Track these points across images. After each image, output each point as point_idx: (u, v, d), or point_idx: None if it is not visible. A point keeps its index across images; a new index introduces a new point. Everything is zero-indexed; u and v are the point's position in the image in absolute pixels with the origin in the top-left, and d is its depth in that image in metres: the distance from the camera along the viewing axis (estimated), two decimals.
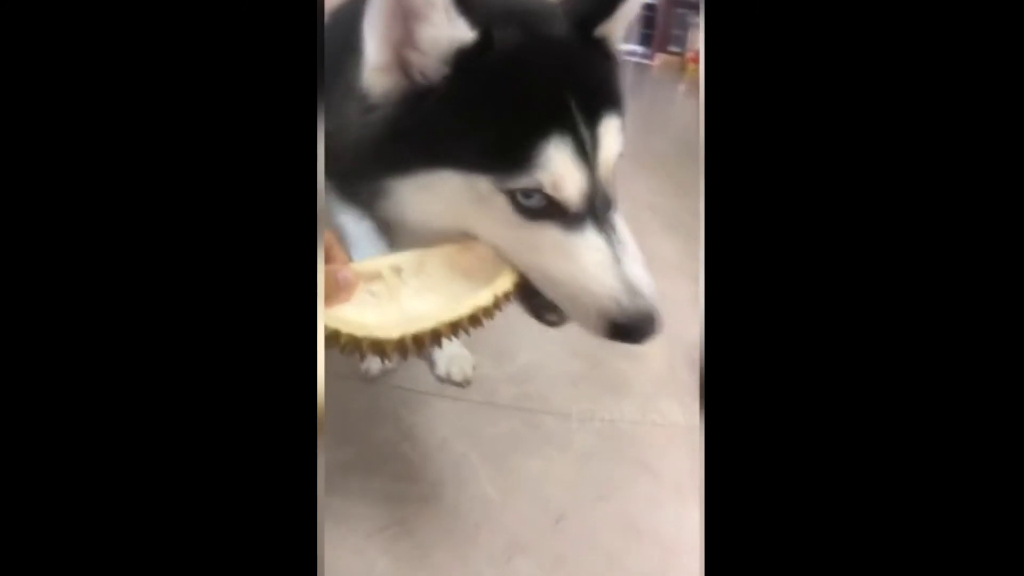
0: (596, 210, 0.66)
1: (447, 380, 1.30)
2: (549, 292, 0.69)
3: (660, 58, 5.95)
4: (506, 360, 1.39)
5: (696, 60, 5.66)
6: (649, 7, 7.22)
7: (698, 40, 5.49)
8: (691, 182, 2.66)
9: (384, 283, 0.64)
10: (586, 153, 0.64)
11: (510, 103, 0.63)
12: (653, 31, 7.01)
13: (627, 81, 0.79)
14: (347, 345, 0.58)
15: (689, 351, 1.49)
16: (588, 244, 0.65)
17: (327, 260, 0.60)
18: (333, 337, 0.58)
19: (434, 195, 0.66)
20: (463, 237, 0.70)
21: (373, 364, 1.27)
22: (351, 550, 0.94)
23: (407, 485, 1.07)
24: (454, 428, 1.20)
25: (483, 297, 0.64)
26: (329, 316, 0.58)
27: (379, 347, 0.59)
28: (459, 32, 0.61)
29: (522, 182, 0.62)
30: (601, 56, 0.70)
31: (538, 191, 0.63)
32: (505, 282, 0.66)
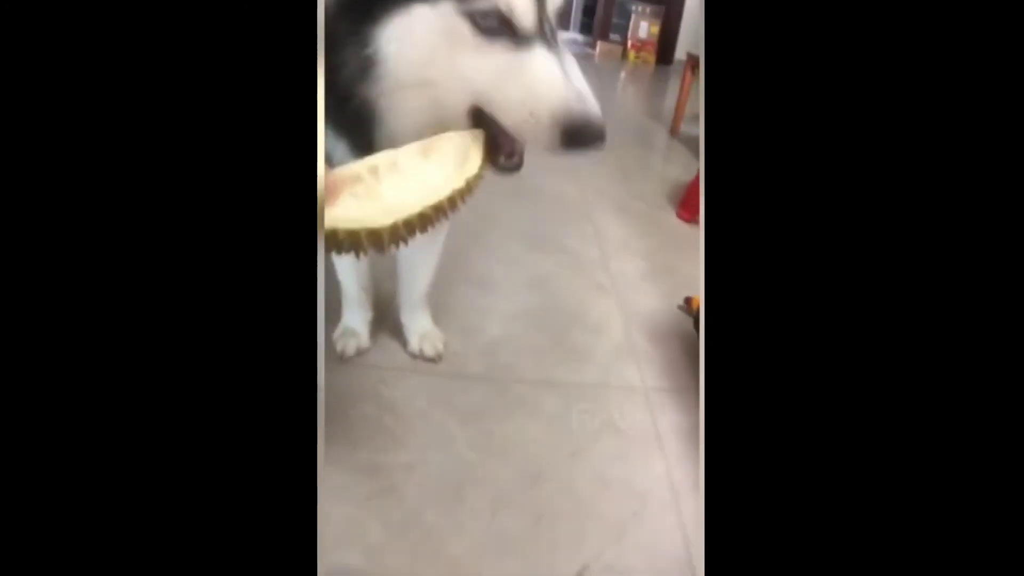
0: (545, 33, 0.73)
1: (420, 356, 1.37)
2: (504, 116, 0.75)
3: (602, 46, 6.04)
4: (474, 336, 1.45)
5: (637, 47, 5.75)
6: None
7: (639, 29, 5.64)
8: (634, 167, 2.77)
9: (364, 184, 0.68)
10: None
11: None
12: (593, 20, 7.09)
13: None
14: (345, 241, 0.62)
15: (642, 322, 1.58)
16: (539, 59, 0.72)
17: None
18: (331, 236, 0.61)
19: (410, 34, 0.73)
20: (434, 127, 0.77)
21: (348, 345, 1.32)
22: (344, 518, 1.00)
23: (392, 455, 1.13)
24: (431, 400, 1.26)
25: (456, 180, 0.69)
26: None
27: (376, 237, 0.63)
28: None
29: (480, 4, 0.70)
30: None
31: (494, 12, 0.70)
32: (472, 166, 0.72)
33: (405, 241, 0.65)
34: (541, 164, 2.62)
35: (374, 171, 0.69)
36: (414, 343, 1.37)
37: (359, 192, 0.67)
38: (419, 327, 1.38)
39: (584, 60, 6.77)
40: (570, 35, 5.73)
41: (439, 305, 1.47)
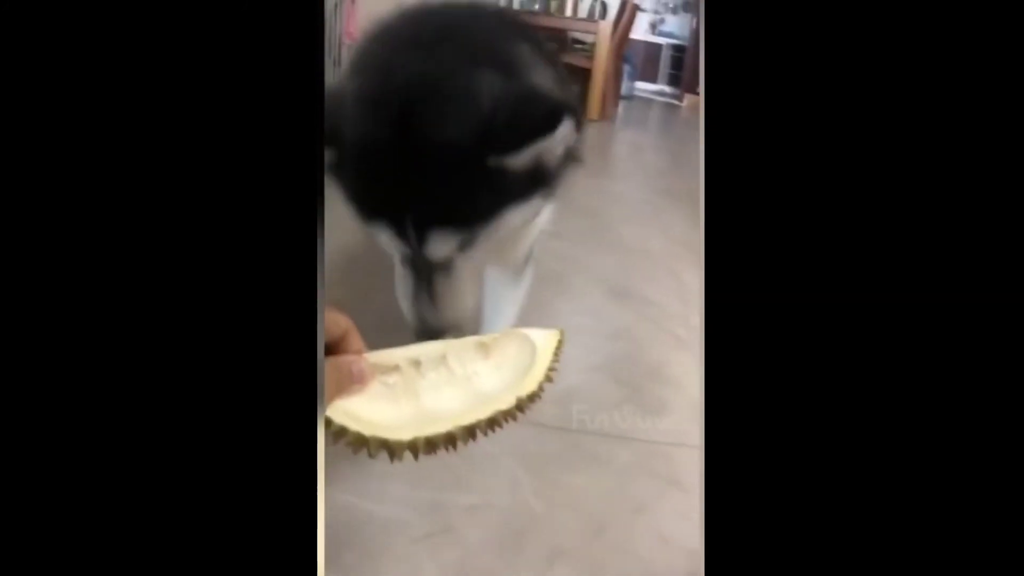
0: (416, 266, 0.79)
1: None
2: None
3: (689, 99, 6.01)
4: (549, 384, 1.43)
5: None
6: (678, 48, 7.29)
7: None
8: None
9: (401, 375, 0.60)
10: (407, 238, 0.74)
11: (362, 186, 0.74)
12: (682, 72, 7.07)
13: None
14: (353, 442, 0.55)
15: None
16: (402, 272, 0.81)
17: (341, 349, 0.57)
18: (339, 433, 0.55)
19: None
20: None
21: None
22: (400, 554, 0.98)
23: (455, 495, 1.12)
24: (501, 445, 1.24)
25: (505, 399, 0.60)
26: (338, 410, 0.55)
27: (388, 447, 0.55)
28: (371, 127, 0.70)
29: (363, 228, 0.76)
30: (481, 175, 0.70)
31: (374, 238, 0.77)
32: (531, 382, 0.62)
33: (424, 455, 0.57)
34: (625, 215, 2.61)
35: (416, 364, 0.61)
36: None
37: (394, 383, 0.60)
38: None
39: (671, 112, 6.80)
40: (657, 87, 5.74)
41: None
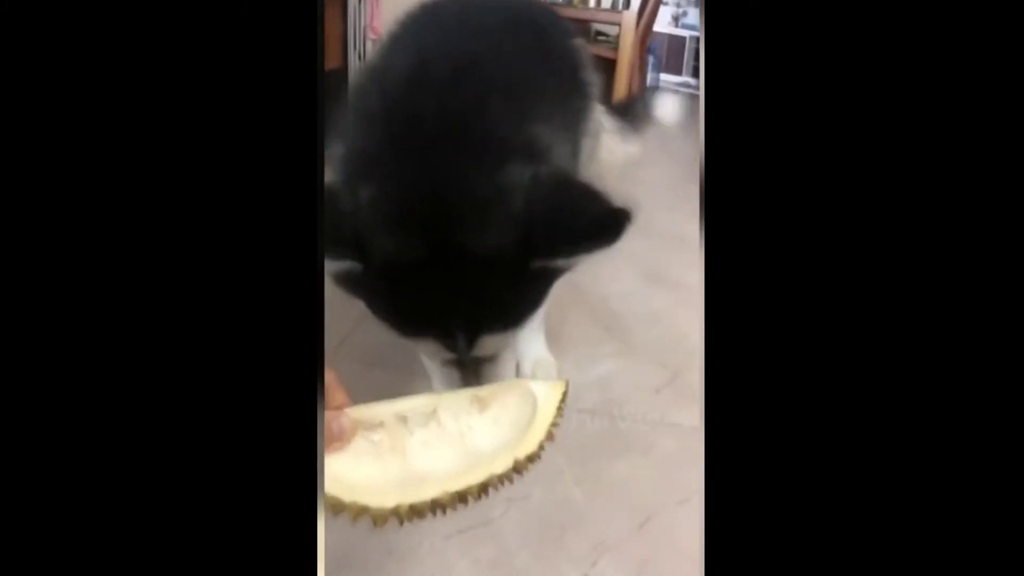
0: (462, 364, 0.74)
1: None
2: None
3: None
4: (587, 369, 1.36)
5: None
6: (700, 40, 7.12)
7: None
8: None
9: (387, 432, 0.55)
10: (457, 348, 0.69)
11: (396, 301, 0.68)
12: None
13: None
14: (332, 507, 0.50)
15: None
16: (443, 375, 0.81)
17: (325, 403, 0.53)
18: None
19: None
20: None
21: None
22: (430, 551, 0.92)
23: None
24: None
25: (501, 461, 0.54)
26: None
27: (369, 514, 0.50)
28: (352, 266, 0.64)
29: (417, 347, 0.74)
30: (528, 278, 0.66)
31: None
32: (530, 441, 0.56)
33: (400, 523, 0.52)
34: (659, 201, 2.55)
35: (403, 421, 0.56)
36: (527, 368, 1.29)
37: (379, 441, 0.54)
38: (533, 352, 1.30)
39: (696, 102, 6.69)
40: (681, 78, 5.62)
41: (552, 334, 1.40)
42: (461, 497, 0.53)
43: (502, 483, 0.55)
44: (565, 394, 0.62)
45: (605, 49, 4.39)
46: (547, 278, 0.68)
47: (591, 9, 4.46)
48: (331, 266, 0.63)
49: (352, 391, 0.59)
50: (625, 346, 1.45)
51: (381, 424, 0.56)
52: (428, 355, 0.77)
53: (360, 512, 0.50)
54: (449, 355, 0.72)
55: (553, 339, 1.37)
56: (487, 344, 0.70)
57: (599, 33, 4.97)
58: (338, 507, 0.50)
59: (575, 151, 0.78)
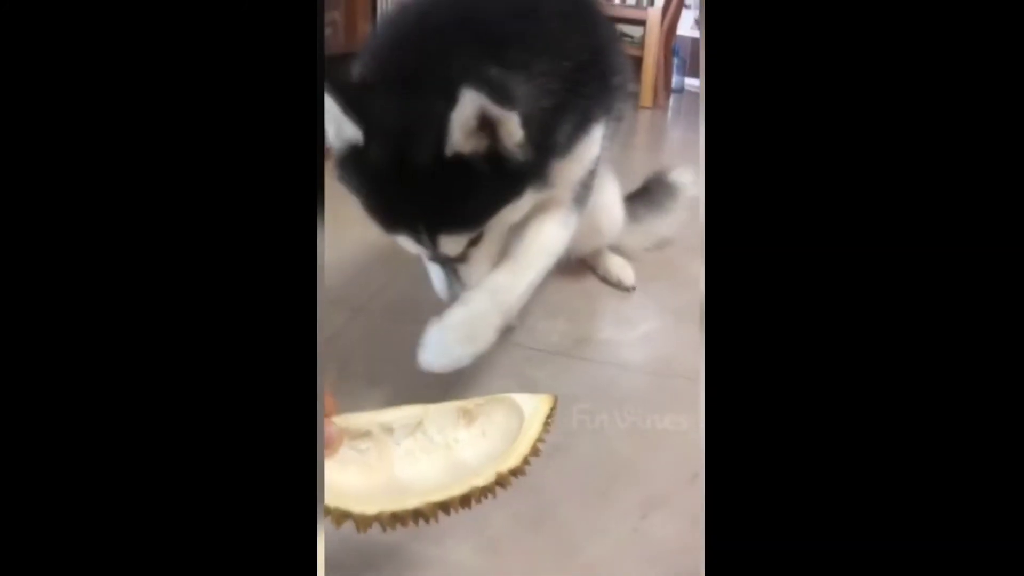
0: (441, 260, 0.89)
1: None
2: None
3: None
4: (628, 327, 1.26)
5: None
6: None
7: None
8: None
9: (373, 441, 0.55)
10: (425, 244, 0.83)
11: (376, 201, 0.82)
12: None
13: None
14: None
15: None
16: (432, 266, 0.93)
17: None
18: None
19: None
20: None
21: None
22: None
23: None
24: (581, 385, 1.07)
25: (484, 474, 0.54)
26: None
27: (352, 519, 0.50)
28: (350, 133, 0.76)
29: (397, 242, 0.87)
30: (454, 176, 0.76)
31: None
32: (514, 456, 0.56)
33: (384, 529, 0.52)
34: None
35: (388, 431, 0.56)
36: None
37: (365, 449, 0.55)
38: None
39: (695, 100, 6.59)
40: (687, 80, 5.50)
41: (591, 294, 1.30)
42: (443, 507, 0.52)
43: (484, 496, 0.55)
44: (553, 409, 0.61)
45: (629, 47, 4.32)
46: (487, 188, 0.79)
47: (616, 6, 4.39)
48: (340, 145, 0.78)
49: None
50: (663, 308, 1.34)
51: (368, 434, 0.55)
52: (410, 250, 0.86)
53: (342, 518, 0.50)
54: (424, 250, 0.85)
55: (593, 300, 1.28)
56: (449, 244, 0.83)
57: (623, 34, 4.89)
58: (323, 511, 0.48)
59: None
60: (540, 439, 0.58)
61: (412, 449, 0.57)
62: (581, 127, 0.89)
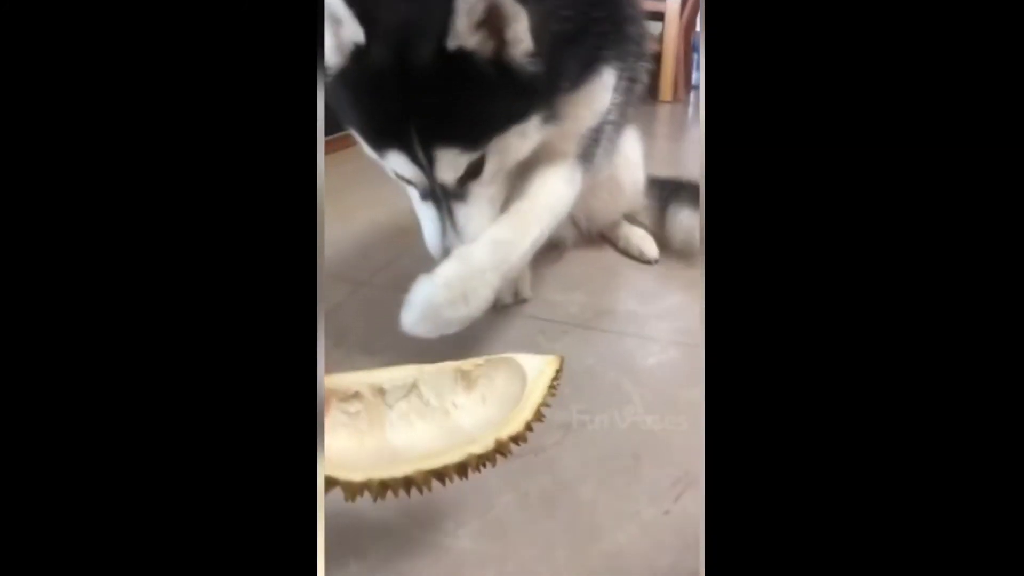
0: (435, 192, 0.79)
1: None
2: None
3: None
4: (652, 301, 1.15)
5: None
6: None
7: None
8: None
9: (363, 404, 0.52)
10: (420, 164, 0.75)
11: (373, 112, 0.75)
12: None
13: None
14: None
15: None
16: (425, 211, 0.82)
17: None
18: None
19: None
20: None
21: (505, 295, 1.05)
22: (471, 482, 0.71)
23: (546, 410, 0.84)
24: (601, 357, 0.96)
25: (482, 441, 0.49)
26: None
27: (339, 486, 0.46)
28: (356, 33, 0.69)
29: (384, 163, 0.78)
30: (455, 76, 0.69)
31: (394, 172, 0.79)
32: (515, 421, 0.51)
33: (374, 499, 0.47)
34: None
35: (379, 392, 0.52)
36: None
37: (356, 412, 0.51)
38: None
39: None
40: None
41: (611, 268, 1.19)
42: (437, 476, 0.48)
43: (483, 465, 0.50)
44: (559, 371, 0.56)
45: (649, 42, 4.23)
46: (489, 97, 0.72)
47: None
48: (340, 54, 0.71)
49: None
50: (687, 281, 1.23)
51: (356, 395, 0.52)
52: (404, 175, 0.78)
53: (328, 485, 0.46)
54: (418, 174, 0.76)
55: (611, 276, 1.18)
56: (446, 164, 0.74)
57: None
58: None
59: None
60: (545, 403, 0.53)
61: (406, 412, 0.52)
62: (590, 66, 0.83)
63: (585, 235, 1.34)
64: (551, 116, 0.79)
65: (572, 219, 1.23)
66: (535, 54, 0.70)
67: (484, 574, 0.62)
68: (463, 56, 0.67)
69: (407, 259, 1.28)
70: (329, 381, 0.51)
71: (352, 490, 0.46)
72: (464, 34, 0.66)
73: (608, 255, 1.31)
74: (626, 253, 1.30)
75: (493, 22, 0.67)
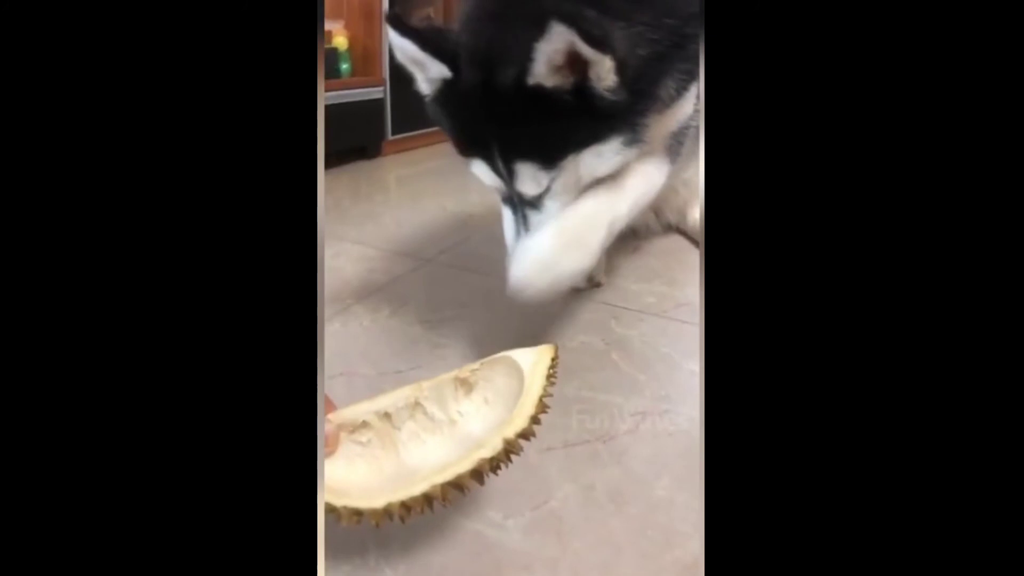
0: (513, 201, 0.79)
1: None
2: None
3: None
4: (681, 286, 1.04)
5: None
6: None
7: None
8: None
9: (373, 431, 0.50)
10: (500, 175, 0.75)
11: (463, 126, 0.76)
12: None
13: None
14: (326, 513, 0.45)
15: None
16: (506, 213, 0.82)
17: None
18: None
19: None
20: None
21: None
22: (524, 469, 0.59)
23: (616, 396, 0.71)
24: (679, 346, 0.82)
25: (491, 443, 0.47)
26: None
27: (363, 516, 0.45)
28: (441, 70, 0.72)
29: (471, 168, 0.79)
30: (533, 104, 0.68)
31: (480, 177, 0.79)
32: (519, 419, 0.48)
33: (403, 521, 0.46)
34: None
35: (385, 417, 0.51)
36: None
37: (368, 441, 0.50)
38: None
39: None
40: None
41: (690, 265, 1.06)
42: (455, 487, 0.46)
43: (497, 467, 0.48)
44: (555, 360, 0.53)
45: None
46: (569, 122, 0.70)
47: None
48: (432, 86, 0.76)
49: None
50: None
51: (365, 424, 0.51)
52: (486, 181, 0.78)
53: (352, 516, 0.44)
54: (499, 183, 0.77)
55: (678, 263, 1.03)
56: (525, 178, 0.73)
57: None
58: (332, 512, 0.45)
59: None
60: (546, 394, 0.50)
61: (415, 431, 0.51)
62: (683, 85, 0.81)
63: (664, 227, 1.22)
64: (633, 139, 0.76)
65: (653, 210, 1.12)
66: (619, 86, 0.68)
67: None
68: (541, 89, 0.66)
69: (473, 242, 1.18)
70: (336, 417, 0.50)
71: (377, 517, 0.44)
72: (543, 75, 0.65)
73: (686, 251, 1.18)
74: (697, 242, 1.18)
75: (573, 65, 0.65)
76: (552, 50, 0.63)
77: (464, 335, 0.85)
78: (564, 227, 0.73)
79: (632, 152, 0.78)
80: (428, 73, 0.74)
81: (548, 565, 0.50)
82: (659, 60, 0.73)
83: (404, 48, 0.71)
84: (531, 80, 0.65)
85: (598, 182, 0.79)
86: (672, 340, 0.84)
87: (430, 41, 0.71)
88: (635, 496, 0.57)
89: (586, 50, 0.63)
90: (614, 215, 0.78)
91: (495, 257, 0.86)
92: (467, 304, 0.93)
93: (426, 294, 0.98)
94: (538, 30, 0.62)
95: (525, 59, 0.64)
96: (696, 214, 1.22)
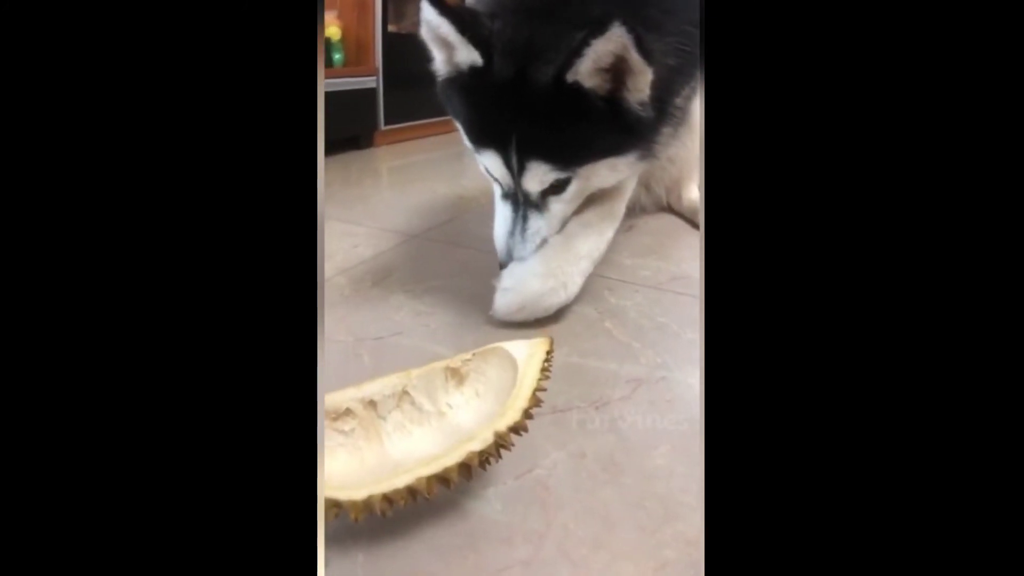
0: (516, 196, 0.75)
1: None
2: None
3: None
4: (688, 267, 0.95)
5: None
6: None
7: None
8: None
9: (357, 420, 0.47)
10: (511, 169, 0.71)
11: (484, 115, 0.71)
12: None
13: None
14: None
15: None
16: (502, 209, 0.78)
17: None
18: None
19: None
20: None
21: None
22: (521, 441, 0.52)
23: (611, 362, 0.64)
24: (675, 317, 0.75)
25: (481, 436, 0.43)
26: None
27: (339, 508, 0.41)
28: (472, 56, 0.68)
29: (479, 157, 0.75)
30: (566, 104, 0.65)
31: (486, 167, 0.75)
32: (511, 412, 0.45)
33: (383, 515, 0.41)
34: None
35: (371, 405, 0.47)
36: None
37: (351, 430, 0.46)
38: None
39: None
40: None
41: (685, 243, 0.99)
42: (441, 480, 0.42)
43: (487, 462, 0.44)
44: (550, 352, 0.49)
45: None
46: (591, 126, 0.67)
47: None
48: (452, 69, 0.72)
49: None
50: None
51: (348, 412, 0.47)
52: (493, 174, 0.74)
53: (331, 508, 0.41)
54: (506, 177, 0.73)
55: (674, 237, 0.99)
56: (533, 175, 0.70)
57: None
58: None
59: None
60: (540, 387, 0.47)
61: (401, 422, 0.47)
62: (692, 96, 0.80)
63: (655, 204, 1.15)
64: (648, 155, 0.75)
65: (643, 184, 1.06)
66: (650, 101, 0.66)
67: (513, 552, 0.42)
68: (578, 88, 0.64)
69: (463, 220, 1.11)
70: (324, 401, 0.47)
71: (357, 509, 0.41)
72: (585, 74, 0.63)
73: (681, 230, 1.11)
74: (692, 222, 1.10)
75: (617, 70, 0.63)
76: (605, 50, 0.60)
77: (449, 303, 0.78)
78: (551, 269, 0.72)
79: (641, 167, 0.77)
80: (455, 57, 0.69)
81: (531, 539, 0.43)
82: (679, 72, 0.72)
83: (437, 27, 0.66)
84: (571, 76, 0.63)
85: (597, 194, 0.78)
86: (668, 310, 0.77)
87: (468, 26, 0.66)
88: (630, 465, 0.49)
89: (635, 58, 0.61)
90: (600, 253, 0.77)
91: (485, 236, 0.81)
92: (453, 275, 0.86)
93: (412, 266, 0.91)
94: (598, 27, 0.59)
95: (572, 56, 0.61)
96: (690, 194, 1.14)
